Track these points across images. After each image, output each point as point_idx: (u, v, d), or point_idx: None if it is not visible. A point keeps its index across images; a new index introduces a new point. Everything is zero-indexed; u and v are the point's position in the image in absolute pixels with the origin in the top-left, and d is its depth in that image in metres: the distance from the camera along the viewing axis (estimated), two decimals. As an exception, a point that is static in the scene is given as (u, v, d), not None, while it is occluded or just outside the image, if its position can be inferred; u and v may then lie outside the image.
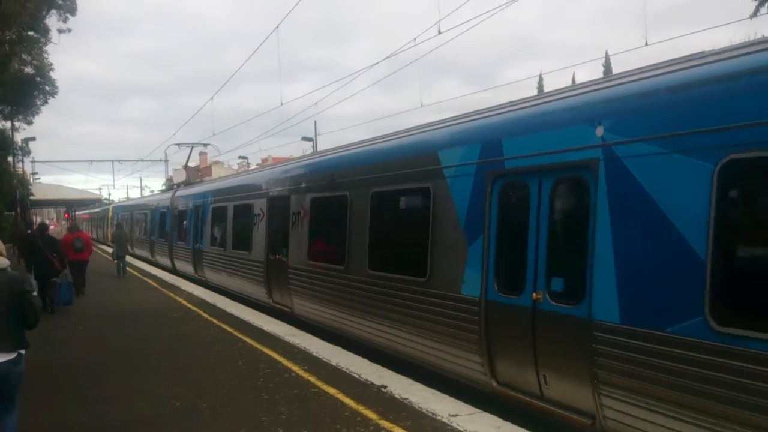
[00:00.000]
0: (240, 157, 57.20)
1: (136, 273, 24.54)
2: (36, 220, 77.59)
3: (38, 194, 45.55)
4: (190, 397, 7.67)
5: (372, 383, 8.06)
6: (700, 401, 4.89)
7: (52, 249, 15.25)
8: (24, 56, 25.81)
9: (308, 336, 11.39)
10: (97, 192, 73.76)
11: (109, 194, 69.02)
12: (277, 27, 17.09)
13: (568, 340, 6.13)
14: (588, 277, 5.90)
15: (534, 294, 6.55)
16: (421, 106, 19.65)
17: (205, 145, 32.39)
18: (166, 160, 71.88)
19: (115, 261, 23.16)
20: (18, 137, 37.96)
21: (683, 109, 5.23)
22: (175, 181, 46.35)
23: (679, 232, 5.12)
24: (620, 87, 6.06)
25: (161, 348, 10.63)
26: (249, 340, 11.05)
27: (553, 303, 6.35)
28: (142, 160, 66.78)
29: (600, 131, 5.91)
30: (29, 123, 25.44)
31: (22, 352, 5.84)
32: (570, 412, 6.18)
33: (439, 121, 9.18)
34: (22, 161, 41.80)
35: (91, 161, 72.31)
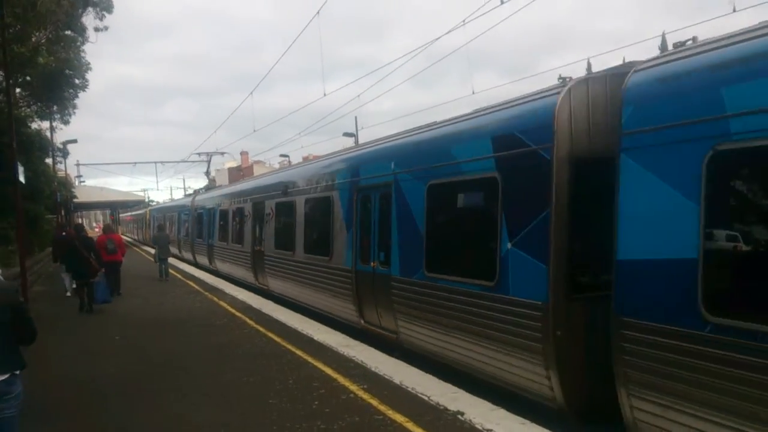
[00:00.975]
0: (281, 155, 56.45)
1: (177, 275, 23.84)
2: (83, 223, 78.75)
3: (81, 197, 45.62)
4: (236, 425, 6.60)
5: (445, 408, 6.86)
6: (457, 317, 8.11)
7: (89, 249, 15.53)
8: (58, 54, 25.41)
9: (363, 347, 10.25)
10: (141, 194, 74.48)
11: (147, 197, 69.41)
12: (318, 12, 15.99)
13: (386, 288, 10.10)
14: (391, 253, 9.96)
15: (372, 263, 10.76)
16: (473, 93, 18.40)
17: (222, 153, 35.38)
18: (209, 161, 71.88)
19: (157, 263, 22.46)
20: (58, 139, 37.91)
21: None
22: (217, 182, 46.11)
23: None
24: (400, 140, 10.43)
25: (203, 362, 9.62)
26: (299, 352, 9.96)
27: (380, 268, 10.43)
28: (184, 161, 66.85)
29: (392, 166, 10.05)
30: (66, 123, 25.03)
31: (17, 372, 4.99)
32: (384, 330, 10.41)
33: (333, 152, 14.29)
34: (64, 163, 41.87)
35: (135, 163, 73.07)
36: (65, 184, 40.50)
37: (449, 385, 7.73)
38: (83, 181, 63.07)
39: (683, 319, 4.95)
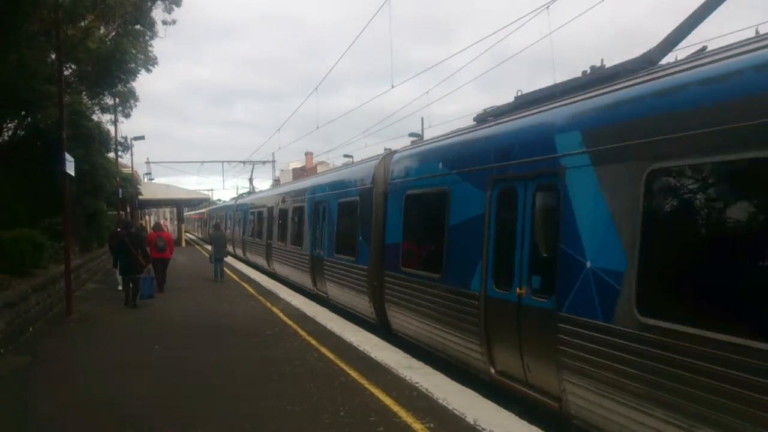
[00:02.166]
0: (345, 156, 55.54)
1: (233, 276, 23.00)
2: (151, 220, 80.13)
3: (146, 194, 45.83)
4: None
5: (535, 465, 5.37)
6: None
7: (138, 246, 15.78)
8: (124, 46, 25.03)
9: (428, 369, 8.84)
10: (207, 192, 75.18)
11: (212, 195, 69.84)
12: (381, 7, 14.65)
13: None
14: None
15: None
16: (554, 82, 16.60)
17: (264, 162, 36.57)
18: (274, 161, 72.14)
19: (213, 263, 21.65)
20: (123, 134, 37.97)
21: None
22: (281, 182, 45.76)
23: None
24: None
25: (245, 382, 8.40)
26: (353, 374, 8.62)
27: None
28: (250, 161, 67.14)
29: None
30: (127, 116, 24.65)
31: None
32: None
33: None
34: (131, 160, 42.07)
35: (202, 162, 73.88)
36: (130, 180, 40.60)
37: (536, 429, 6.23)
38: (152, 179, 64.05)
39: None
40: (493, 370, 7.88)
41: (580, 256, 6.10)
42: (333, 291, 15.15)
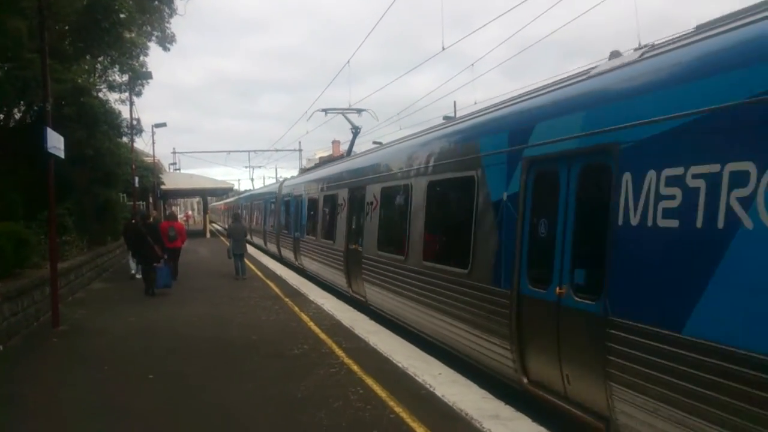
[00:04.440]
0: (374, 143, 52.92)
1: (258, 273, 20.55)
2: (178, 212, 78.44)
3: (169, 183, 43.73)
4: None
5: None
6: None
7: (154, 236, 15.90)
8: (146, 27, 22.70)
9: (522, 421, 6.20)
10: (233, 182, 73.23)
11: (239, 185, 67.76)
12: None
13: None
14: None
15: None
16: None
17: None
18: (300, 149, 69.93)
19: (231, 259, 19.20)
20: (142, 120, 35.71)
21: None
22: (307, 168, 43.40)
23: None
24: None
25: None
26: (419, 430, 6.02)
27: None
28: (276, 150, 65.16)
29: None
30: (138, 94, 22.21)
31: None
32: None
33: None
34: (153, 148, 39.96)
35: (228, 152, 72.04)
36: (151, 169, 38.49)
37: None
38: (178, 170, 62.11)
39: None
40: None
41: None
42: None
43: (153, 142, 41.32)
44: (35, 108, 17.84)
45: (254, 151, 65.79)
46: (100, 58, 19.09)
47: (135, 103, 23.53)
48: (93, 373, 8.41)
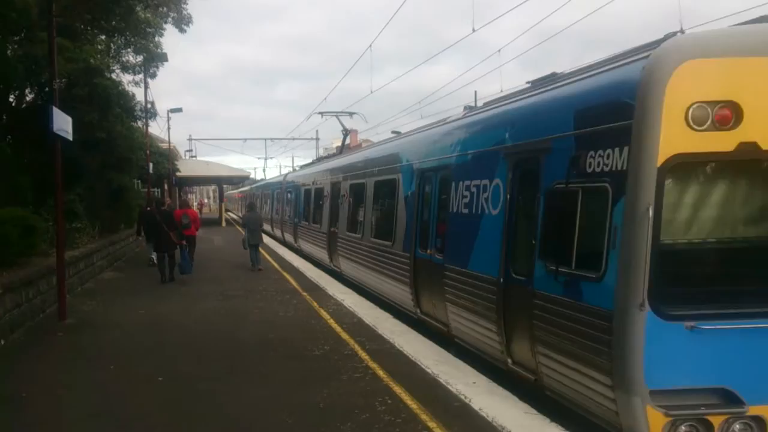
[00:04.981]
0: (393, 132, 52.05)
1: (274, 263, 19.90)
2: (194, 199, 78.04)
3: (185, 170, 43.14)
4: None
5: None
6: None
7: (170, 223, 15.75)
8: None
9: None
10: (250, 170, 72.68)
11: (255, 173, 67.19)
12: None
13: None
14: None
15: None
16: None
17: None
18: (317, 138, 69.20)
19: (247, 249, 18.56)
20: (157, 103, 35.07)
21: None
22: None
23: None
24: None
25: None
26: (458, 452, 5.31)
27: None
28: (293, 138, 64.50)
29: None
30: (153, 76, 21.53)
31: None
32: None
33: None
34: (167, 134, 39.41)
35: (245, 139, 71.54)
36: (167, 155, 37.94)
37: None
38: (193, 156, 61.58)
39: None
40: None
41: None
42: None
43: (168, 128, 40.80)
44: (47, 89, 17.29)
45: (271, 139, 64.89)
46: (114, 38, 18.41)
47: (149, 86, 22.93)
48: (97, 373, 7.78)
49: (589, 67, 6.69)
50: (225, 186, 61.40)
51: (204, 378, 7.53)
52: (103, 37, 19.25)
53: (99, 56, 16.63)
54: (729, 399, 4.94)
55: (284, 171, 47.00)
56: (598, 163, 5.51)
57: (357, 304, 12.61)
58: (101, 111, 16.64)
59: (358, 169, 14.91)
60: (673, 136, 4.91)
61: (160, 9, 22.10)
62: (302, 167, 29.77)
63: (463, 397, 6.69)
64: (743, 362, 4.96)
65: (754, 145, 4.89)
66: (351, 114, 26.75)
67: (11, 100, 18.18)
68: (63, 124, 10.62)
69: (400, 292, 11.03)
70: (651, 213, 4.90)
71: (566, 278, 5.85)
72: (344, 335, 9.80)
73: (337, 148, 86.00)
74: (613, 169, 5.30)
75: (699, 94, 4.90)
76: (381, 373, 7.67)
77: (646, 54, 5.36)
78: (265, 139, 65.52)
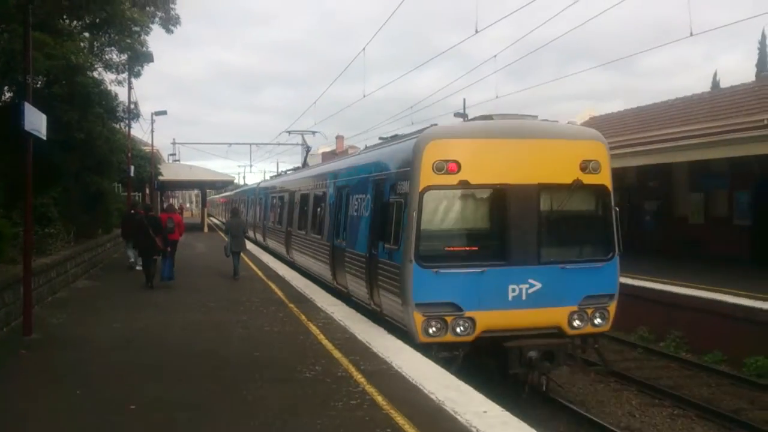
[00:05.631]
0: (380, 138, 51.33)
1: (257, 271, 19.06)
2: (176, 204, 76.61)
3: (168, 174, 42.09)
4: None
5: None
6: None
7: (156, 229, 15.73)
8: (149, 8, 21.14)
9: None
10: (233, 175, 71.52)
11: (234, 179, 66.06)
12: None
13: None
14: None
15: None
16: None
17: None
18: (303, 144, 68.09)
19: (229, 256, 17.72)
20: (141, 105, 34.27)
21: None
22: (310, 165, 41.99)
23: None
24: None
25: None
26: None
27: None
28: (279, 144, 63.48)
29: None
30: (137, 75, 20.58)
31: None
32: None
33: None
34: (151, 137, 38.41)
35: (230, 144, 70.52)
36: (148, 158, 36.93)
37: None
38: (177, 160, 60.40)
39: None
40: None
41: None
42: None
43: (152, 130, 39.80)
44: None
45: (256, 144, 63.84)
46: (97, 34, 17.51)
47: (134, 88, 22.02)
48: (62, 399, 6.93)
49: (405, 136, 11.25)
50: (208, 191, 60.39)
51: (183, 405, 6.72)
52: (87, 34, 18.35)
53: (81, 54, 15.68)
54: (455, 308, 9.28)
55: (267, 176, 46.47)
56: (401, 188, 9.97)
57: (348, 317, 11.84)
58: (81, 110, 15.73)
59: (304, 183, 19.25)
60: (426, 177, 9.29)
61: (148, 8, 21.26)
62: (271, 178, 34.15)
63: (474, 430, 5.96)
64: (461, 289, 9.31)
65: (467, 182, 9.36)
66: (314, 133, 34.46)
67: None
68: (36, 122, 9.76)
69: (324, 271, 15.03)
70: (415, 215, 9.25)
71: (388, 250, 10.12)
72: (336, 353, 9.03)
73: (322, 154, 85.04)
74: (405, 192, 9.71)
75: (439, 156, 9.29)
76: (380, 399, 6.91)
77: (417, 135, 10.03)
78: (250, 144, 64.68)
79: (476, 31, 12.45)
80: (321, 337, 10.13)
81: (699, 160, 19.18)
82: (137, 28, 19.12)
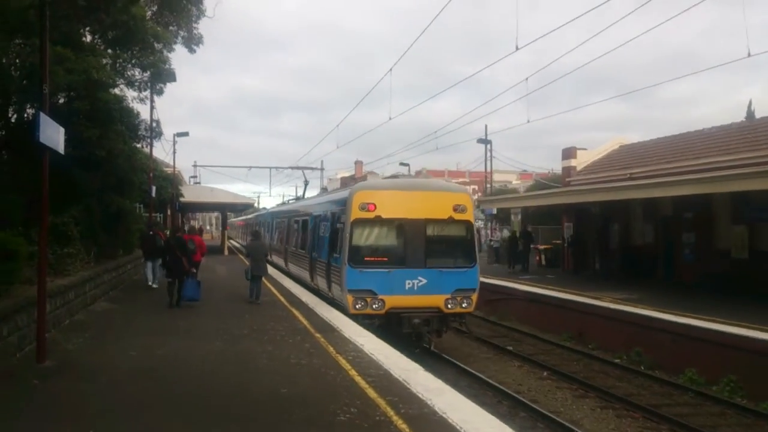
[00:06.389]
0: (401, 164, 50.92)
1: (279, 297, 18.36)
2: (194, 225, 76.31)
3: (188, 196, 41.81)
4: None
5: None
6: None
7: (182, 250, 16.02)
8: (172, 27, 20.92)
9: None
10: (256, 199, 71.24)
11: (254, 202, 65.76)
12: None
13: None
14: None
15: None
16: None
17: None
18: (322, 168, 67.99)
19: (249, 280, 17.20)
20: (164, 125, 33.92)
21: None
22: (329, 190, 41.72)
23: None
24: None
25: None
26: None
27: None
28: (298, 168, 63.31)
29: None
30: (159, 93, 20.24)
31: None
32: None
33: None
34: (173, 158, 38.21)
35: (249, 167, 70.42)
36: (170, 180, 36.65)
37: None
38: (198, 182, 60.26)
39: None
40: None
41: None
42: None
43: (174, 151, 39.67)
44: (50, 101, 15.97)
45: (275, 167, 63.71)
46: (117, 50, 17.16)
47: (156, 107, 21.66)
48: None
49: (344, 188, 18.65)
50: (228, 213, 60.09)
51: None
52: (110, 51, 18.05)
53: (104, 70, 15.32)
54: (372, 293, 14.63)
55: (285, 199, 47.16)
56: (342, 219, 15.39)
57: (378, 350, 11.09)
58: (102, 127, 15.32)
59: (296, 212, 24.84)
60: (355, 212, 14.83)
61: (171, 27, 21.01)
62: (278, 205, 39.50)
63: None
64: (377, 282, 14.63)
65: (380, 216, 14.84)
66: (313, 169, 41.07)
67: (10, 114, 16.95)
68: (53, 135, 9.22)
69: (306, 276, 20.23)
70: (348, 236, 14.77)
71: (336, 258, 15.63)
72: (371, 392, 8.26)
73: (341, 178, 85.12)
74: (344, 221, 15.19)
75: (363, 200, 14.92)
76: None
77: (350, 188, 16.47)
78: (270, 168, 64.49)
79: (516, 48, 11.88)
80: (353, 372, 9.36)
81: (740, 191, 18.28)
82: (160, 45, 18.83)
